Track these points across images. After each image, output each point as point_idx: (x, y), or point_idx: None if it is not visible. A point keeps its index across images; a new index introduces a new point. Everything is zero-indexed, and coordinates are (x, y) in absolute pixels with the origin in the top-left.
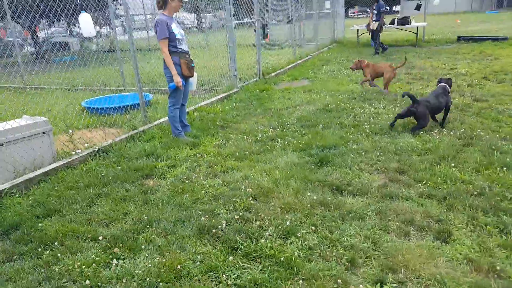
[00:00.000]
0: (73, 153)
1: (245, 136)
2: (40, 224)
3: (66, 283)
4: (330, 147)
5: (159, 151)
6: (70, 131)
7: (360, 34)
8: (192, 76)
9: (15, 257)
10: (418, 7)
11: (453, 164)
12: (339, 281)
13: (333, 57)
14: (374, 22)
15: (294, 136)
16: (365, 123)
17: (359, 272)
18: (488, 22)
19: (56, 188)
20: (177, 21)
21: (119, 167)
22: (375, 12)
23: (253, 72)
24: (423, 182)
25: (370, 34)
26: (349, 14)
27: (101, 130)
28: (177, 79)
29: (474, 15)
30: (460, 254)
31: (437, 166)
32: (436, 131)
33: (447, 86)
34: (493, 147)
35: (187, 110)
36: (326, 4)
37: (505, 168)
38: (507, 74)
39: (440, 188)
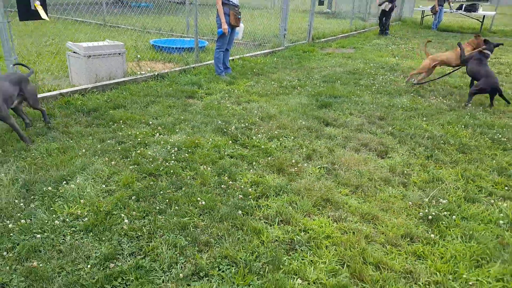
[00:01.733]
0: (138, 73)
1: (273, 82)
2: (110, 111)
3: (125, 140)
4: (336, 97)
5: (202, 82)
6: (138, 56)
7: (424, 15)
8: (238, 26)
9: (93, 125)
10: None
11: (425, 119)
12: (298, 164)
13: (390, 33)
14: (386, 3)
15: (312, 87)
16: (377, 85)
17: (311, 163)
18: None
19: (123, 93)
20: None
21: (171, 88)
22: None
23: (304, 35)
24: (393, 126)
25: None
26: None
27: (162, 63)
28: (225, 26)
29: None
30: (386, 163)
31: (412, 119)
32: (433, 97)
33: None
34: (469, 114)
35: (232, 57)
36: None
37: (463, 126)
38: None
39: (403, 131)
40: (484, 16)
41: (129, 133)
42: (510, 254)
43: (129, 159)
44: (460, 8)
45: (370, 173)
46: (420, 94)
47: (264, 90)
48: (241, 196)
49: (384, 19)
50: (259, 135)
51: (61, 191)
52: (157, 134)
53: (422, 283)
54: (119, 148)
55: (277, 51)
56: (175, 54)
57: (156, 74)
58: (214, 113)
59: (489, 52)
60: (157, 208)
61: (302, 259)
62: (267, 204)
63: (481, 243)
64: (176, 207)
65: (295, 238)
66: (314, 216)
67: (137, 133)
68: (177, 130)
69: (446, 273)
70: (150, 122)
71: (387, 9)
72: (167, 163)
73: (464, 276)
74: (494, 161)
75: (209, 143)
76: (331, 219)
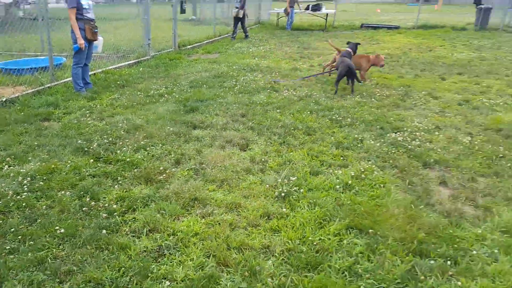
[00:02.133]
0: None
1: (139, 93)
2: None
3: None
4: (202, 100)
5: (59, 102)
6: None
7: (279, 17)
8: (95, 40)
9: None
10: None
11: (279, 111)
12: (166, 170)
13: (250, 36)
14: (237, 9)
15: (180, 93)
16: (239, 86)
17: (180, 167)
18: (404, 13)
19: None
20: None
21: (22, 113)
22: (238, 0)
23: (170, 43)
24: (253, 121)
25: (287, 16)
26: None
27: (12, 87)
28: (81, 41)
29: (397, 6)
30: (247, 155)
31: (269, 112)
32: (286, 90)
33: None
34: (314, 101)
35: (92, 71)
36: None
37: (309, 112)
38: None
39: (261, 124)
40: (327, 14)
41: None
42: (344, 211)
43: None
44: (307, 8)
45: (234, 166)
46: (275, 89)
47: (130, 101)
48: (105, 215)
49: (241, 25)
50: (124, 148)
51: None
52: (6, 166)
53: (278, 253)
54: None
55: (143, 61)
56: (27, 76)
57: (3, 99)
58: (73, 133)
59: (350, 50)
60: (8, 248)
61: (171, 262)
62: (134, 217)
63: (323, 208)
64: (31, 242)
65: (163, 244)
66: (183, 218)
67: None
68: (29, 158)
69: (296, 239)
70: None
71: (241, 16)
72: (18, 197)
73: (310, 238)
74: (333, 137)
75: (68, 166)
76: (199, 216)
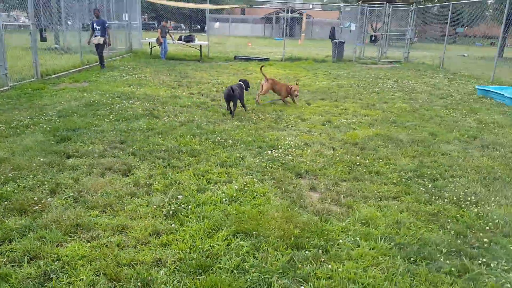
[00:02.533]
0: None
1: (0, 125)
2: None
3: None
4: (75, 129)
5: None
6: None
7: (152, 46)
8: None
9: None
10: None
11: (160, 136)
12: (42, 200)
13: (122, 64)
14: (99, 37)
15: (47, 123)
16: (114, 113)
17: (57, 196)
18: (272, 46)
19: None
20: None
21: None
22: (98, 28)
23: (32, 73)
24: (134, 147)
25: (160, 45)
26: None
27: None
28: None
29: (265, 40)
30: (130, 180)
31: (150, 137)
32: (167, 116)
33: (243, 84)
34: (196, 126)
35: None
36: (124, 16)
37: (192, 136)
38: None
39: (143, 149)
40: (201, 45)
41: None
42: (230, 220)
43: None
44: (180, 39)
45: (117, 191)
46: (154, 115)
47: None
48: None
49: (98, 52)
50: None
51: None
52: None
53: (169, 264)
54: None
55: (0, 92)
56: None
57: None
58: None
59: (241, 83)
60: None
61: (59, 284)
62: (11, 248)
63: (211, 219)
64: None
65: (48, 269)
66: (66, 244)
67: None
68: None
69: (187, 249)
70: None
71: (101, 42)
72: None
73: (200, 247)
74: (217, 157)
75: None
76: (84, 241)
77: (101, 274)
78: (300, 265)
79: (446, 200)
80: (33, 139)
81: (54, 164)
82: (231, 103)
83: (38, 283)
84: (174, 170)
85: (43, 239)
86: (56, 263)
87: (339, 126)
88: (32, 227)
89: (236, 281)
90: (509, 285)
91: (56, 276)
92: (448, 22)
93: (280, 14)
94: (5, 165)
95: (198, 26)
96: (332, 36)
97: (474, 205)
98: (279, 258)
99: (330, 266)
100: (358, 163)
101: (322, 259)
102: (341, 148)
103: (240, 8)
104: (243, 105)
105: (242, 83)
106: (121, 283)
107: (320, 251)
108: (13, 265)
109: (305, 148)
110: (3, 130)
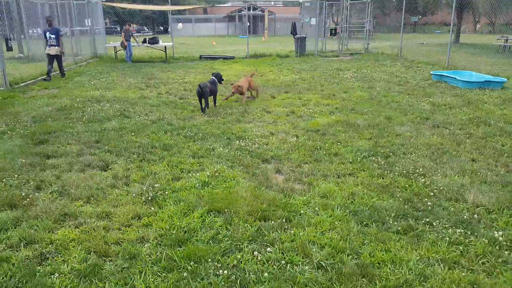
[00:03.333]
0: None
1: None
2: None
3: None
4: (50, 132)
5: None
6: None
7: (117, 50)
8: None
9: None
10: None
11: (133, 134)
12: (29, 196)
13: (88, 69)
14: (56, 47)
15: (24, 128)
16: (87, 116)
17: (43, 191)
18: (236, 44)
19: None
20: None
21: None
22: (52, 36)
23: (0, 82)
24: (109, 145)
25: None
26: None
27: None
28: None
29: (229, 38)
30: (109, 174)
31: (124, 136)
32: (138, 116)
33: (216, 78)
34: (167, 123)
35: None
36: (86, 22)
37: (163, 132)
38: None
39: (118, 147)
40: (165, 46)
41: None
42: (204, 201)
43: None
44: (144, 41)
45: (98, 184)
46: (126, 116)
47: None
48: None
49: (58, 63)
50: None
51: None
52: None
53: (152, 239)
54: None
55: None
56: None
57: None
58: None
59: (214, 78)
60: None
61: (55, 262)
62: (7, 236)
63: (187, 201)
64: None
65: (44, 251)
66: (57, 230)
67: None
68: None
69: (166, 227)
70: None
71: (59, 53)
72: None
73: (178, 224)
74: (189, 150)
75: None
76: (73, 227)
77: (92, 252)
78: (267, 233)
79: (396, 173)
80: (12, 143)
81: (36, 164)
82: (203, 100)
83: (36, 263)
84: (149, 163)
85: (36, 227)
86: (50, 246)
87: (302, 116)
88: (24, 218)
89: (211, 248)
90: (447, 239)
91: (52, 256)
92: (403, 11)
93: (242, 12)
94: None
95: (162, 28)
96: (293, 32)
97: (422, 176)
98: (249, 229)
99: (292, 231)
100: (319, 147)
101: (286, 227)
102: (303, 135)
103: (202, 8)
104: (214, 100)
105: (214, 78)
106: (110, 258)
107: (284, 220)
108: (11, 250)
109: (271, 137)
110: None
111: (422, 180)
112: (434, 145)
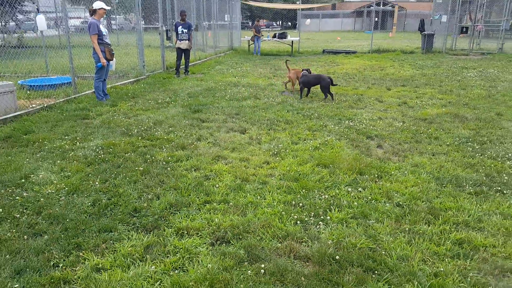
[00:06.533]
0: (30, 107)
1: (150, 101)
2: (24, 136)
3: (55, 150)
4: (202, 105)
5: (89, 107)
6: (28, 92)
7: (250, 44)
8: (112, 59)
9: (16, 147)
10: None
11: (263, 111)
12: (194, 143)
13: (226, 60)
14: (187, 41)
15: (182, 101)
16: (228, 96)
17: (202, 142)
18: (361, 40)
19: (25, 123)
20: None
21: (64, 114)
22: (185, 31)
23: (160, 65)
24: (245, 117)
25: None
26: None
27: (40, 99)
28: (103, 60)
29: (355, 34)
30: (247, 136)
31: (256, 112)
32: (266, 98)
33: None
34: (289, 105)
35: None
36: (225, 17)
37: (286, 111)
38: (333, 73)
39: (252, 119)
40: (292, 41)
41: (54, 145)
42: (314, 158)
43: (66, 160)
44: (274, 36)
45: (239, 141)
46: (257, 97)
47: (145, 106)
48: (163, 163)
49: (185, 58)
50: (158, 132)
51: None
52: (77, 143)
53: (276, 176)
54: (58, 153)
55: (141, 79)
56: (49, 91)
57: (45, 106)
58: (113, 125)
59: (306, 72)
60: (109, 178)
61: (214, 181)
62: (183, 164)
63: (302, 157)
64: (124, 175)
65: (207, 174)
66: (214, 165)
67: (61, 144)
68: (91, 138)
69: (286, 170)
70: (66, 137)
71: (189, 48)
72: (99, 156)
73: (295, 169)
74: (305, 125)
75: (123, 142)
76: (224, 164)
77: (237, 178)
78: (360, 182)
79: (486, 156)
80: (176, 110)
81: (195, 125)
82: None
83: (203, 180)
84: (275, 132)
85: (200, 161)
86: (210, 172)
87: (413, 107)
88: (192, 155)
89: (317, 185)
90: (510, 203)
91: (213, 177)
92: None
93: (371, 7)
94: (164, 124)
95: (289, 23)
96: (421, 28)
97: (509, 160)
98: (347, 178)
99: (381, 183)
100: (421, 132)
101: (377, 180)
102: (410, 122)
103: (331, 4)
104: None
105: (305, 71)
106: (249, 182)
107: (376, 176)
108: (186, 171)
109: (378, 121)
110: (153, 104)
111: (508, 163)
112: None
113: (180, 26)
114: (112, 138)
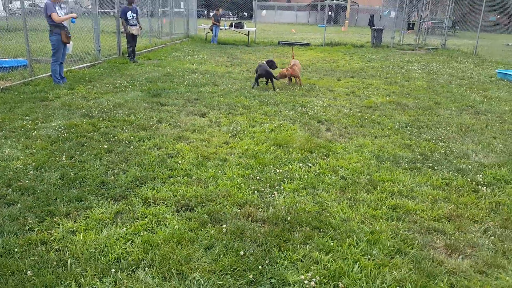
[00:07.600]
0: None
1: (108, 85)
2: None
3: (14, 129)
4: (161, 90)
5: (46, 90)
6: None
7: (206, 32)
8: (69, 43)
9: None
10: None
11: (222, 97)
12: (155, 124)
13: (182, 47)
14: (137, 27)
15: (141, 85)
16: (187, 81)
17: (162, 123)
18: (314, 32)
19: None
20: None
21: (21, 96)
22: (134, 15)
23: (115, 51)
24: (204, 102)
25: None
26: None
27: None
28: (74, 15)
29: (309, 27)
30: (206, 119)
31: (215, 97)
32: (224, 85)
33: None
34: (246, 92)
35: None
36: (181, 4)
37: (244, 97)
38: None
39: (211, 104)
40: (249, 31)
41: (16, 125)
42: (270, 139)
43: (30, 138)
44: (231, 25)
45: (199, 123)
46: (215, 84)
47: (103, 90)
48: (126, 142)
49: (133, 43)
50: (119, 114)
51: None
52: (38, 123)
53: (235, 154)
54: (21, 132)
55: (97, 64)
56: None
57: (1, 87)
58: (73, 107)
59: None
60: (75, 153)
61: (177, 158)
62: (145, 144)
63: (259, 138)
64: (89, 151)
65: (169, 152)
66: (175, 144)
67: (23, 124)
68: (52, 119)
69: (244, 149)
70: (27, 118)
71: (135, 33)
72: (62, 135)
73: (252, 148)
74: (262, 110)
75: (84, 123)
76: (185, 143)
77: (198, 155)
78: (311, 158)
79: (422, 138)
80: (135, 94)
81: (155, 108)
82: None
83: (166, 157)
84: (233, 115)
85: (162, 141)
86: (173, 151)
87: (360, 96)
88: (154, 135)
89: (273, 161)
90: (440, 175)
91: (175, 155)
92: (483, 10)
93: (325, 1)
94: (124, 107)
95: (245, 14)
96: (371, 23)
97: (442, 142)
98: (299, 156)
99: (328, 159)
100: (366, 118)
101: (325, 158)
102: (356, 109)
103: None
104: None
105: (270, 60)
106: (210, 159)
107: (324, 154)
108: (149, 150)
109: (328, 108)
110: (111, 88)
111: (441, 144)
112: (465, 124)
113: (130, 11)
114: (73, 119)
